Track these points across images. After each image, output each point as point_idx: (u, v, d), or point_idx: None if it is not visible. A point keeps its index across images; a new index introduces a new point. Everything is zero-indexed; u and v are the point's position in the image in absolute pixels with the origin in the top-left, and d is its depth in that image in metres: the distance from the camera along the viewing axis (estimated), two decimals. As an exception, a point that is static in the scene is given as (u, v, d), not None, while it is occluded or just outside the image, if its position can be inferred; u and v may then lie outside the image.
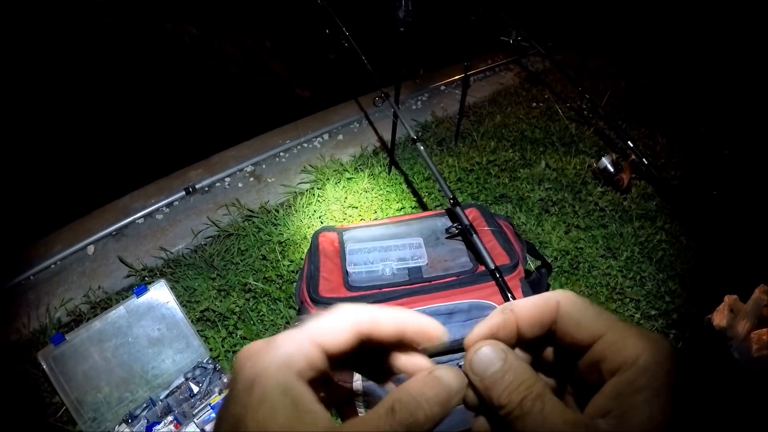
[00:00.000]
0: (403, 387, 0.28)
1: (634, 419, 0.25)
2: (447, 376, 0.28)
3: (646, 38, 3.50)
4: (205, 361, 1.66)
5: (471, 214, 1.53)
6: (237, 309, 1.83)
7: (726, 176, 2.36)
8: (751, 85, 2.95)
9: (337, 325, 0.29)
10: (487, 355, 0.28)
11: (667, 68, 3.31)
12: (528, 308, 0.30)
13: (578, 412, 0.28)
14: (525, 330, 0.30)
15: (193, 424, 1.49)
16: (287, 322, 1.78)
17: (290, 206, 2.30)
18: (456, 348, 0.29)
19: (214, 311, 1.83)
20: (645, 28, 3.63)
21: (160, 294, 1.64)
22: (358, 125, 2.91)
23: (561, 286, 1.85)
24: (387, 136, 2.56)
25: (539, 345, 0.32)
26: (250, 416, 0.24)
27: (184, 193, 2.43)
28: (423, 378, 0.28)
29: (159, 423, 1.51)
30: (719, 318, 1.63)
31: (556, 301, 0.30)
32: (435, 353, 0.29)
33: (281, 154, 2.70)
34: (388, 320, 0.30)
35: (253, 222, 2.21)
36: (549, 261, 1.71)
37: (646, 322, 1.78)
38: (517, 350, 0.32)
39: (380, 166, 2.48)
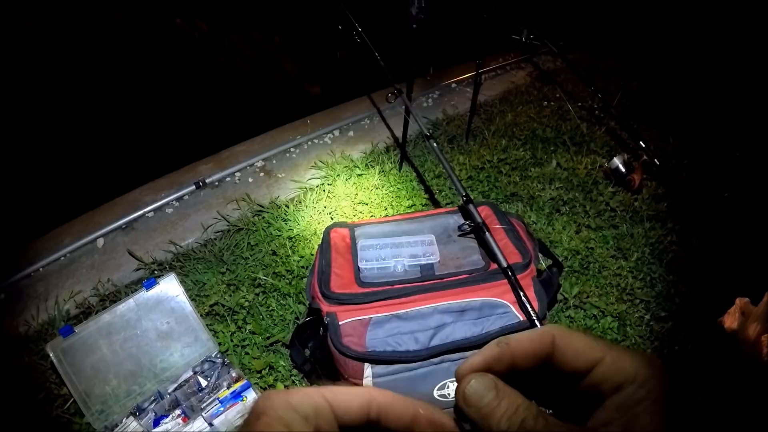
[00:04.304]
0: None
1: (636, 426, 0.26)
2: None
3: (658, 39, 3.48)
4: (213, 356, 1.66)
5: (483, 212, 1.53)
6: (246, 304, 1.82)
7: (737, 178, 2.34)
8: (763, 87, 2.93)
9: (351, 392, 0.31)
10: (479, 386, 0.29)
11: (679, 70, 3.28)
12: (524, 342, 0.31)
13: (578, 426, 0.29)
14: (520, 363, 0.31)
15: (201, 418, 1.49)
16: (296, 318, 1.78)
17: (300, 202, 2.29)
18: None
19: (223, 305, 1.82)
20: (657, 29, 3.60)
21: (170, 287, 1.64)
22: (368, 122, 2.91)
23: (571, 286, 1.84)
24: (398, 133, 2.55)
25: (529, 379, 0.33)
26: None
27: (194, 187, 2.42)
28: None
29: (167, 416, 1.51)
30: (731, 321, 1.62)
31: (551, 335, 0.31)
32: None
33: (292, 149, 2.70)
34: (403, 407, 0.31)
35: (263, 217, 2.21)
36: (560, 260, 1.70)
37: (657, 324, 1.76)
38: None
39: (391, 163, 2.47)
